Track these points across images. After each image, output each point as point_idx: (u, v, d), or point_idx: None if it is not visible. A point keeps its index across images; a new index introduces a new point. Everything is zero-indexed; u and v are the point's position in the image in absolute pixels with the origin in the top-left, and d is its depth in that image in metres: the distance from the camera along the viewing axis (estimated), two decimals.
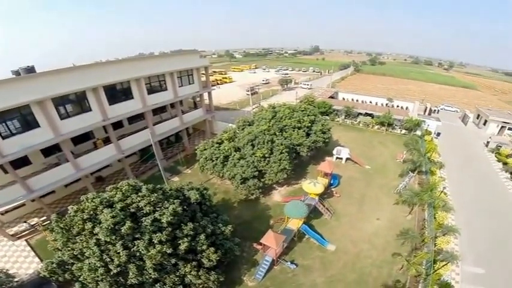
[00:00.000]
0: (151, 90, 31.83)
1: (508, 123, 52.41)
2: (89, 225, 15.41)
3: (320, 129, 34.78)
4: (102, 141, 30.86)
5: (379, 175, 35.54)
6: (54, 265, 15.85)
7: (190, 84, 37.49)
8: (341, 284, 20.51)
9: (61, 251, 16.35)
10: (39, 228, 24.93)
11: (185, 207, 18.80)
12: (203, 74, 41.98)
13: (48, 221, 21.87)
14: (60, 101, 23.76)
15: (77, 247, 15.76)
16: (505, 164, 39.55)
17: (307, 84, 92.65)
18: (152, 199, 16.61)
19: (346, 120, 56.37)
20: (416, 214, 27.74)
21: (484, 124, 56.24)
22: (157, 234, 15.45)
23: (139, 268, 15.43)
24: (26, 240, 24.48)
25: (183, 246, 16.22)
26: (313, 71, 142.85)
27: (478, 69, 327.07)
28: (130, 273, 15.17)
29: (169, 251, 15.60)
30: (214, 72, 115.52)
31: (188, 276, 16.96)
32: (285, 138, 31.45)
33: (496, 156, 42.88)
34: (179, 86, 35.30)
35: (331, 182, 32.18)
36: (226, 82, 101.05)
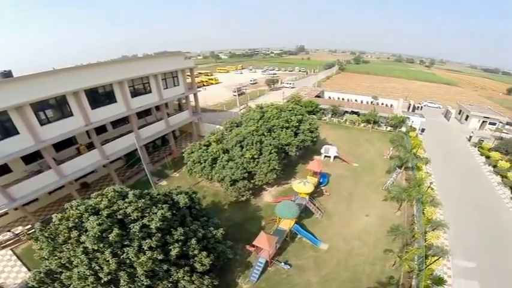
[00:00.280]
0: (135, 93, 31.16)
1: (489, 118, 54.20)
2: (74, 233, 14.95)
3: (308, 128, 34.89)
4: (86, 146, 29.95)
5: (367, 172, 35.95)
6: (42, 274, 15.29)
7: (175, 86, 36.99)
8: (335, 282, 20.53)
9: (48, 260, 15.77)
10: (24, 238, 24.10)
11: (174, 211, 18.46)
12: (188, 75, 41.49)
13: (33, 230, 21.07)
14: (39, 107, 22.87)
15: (64, 256, 15.25)
16: (487, 157, 40.82)
17: (290, 84, 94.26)
18: (140, 205, 16.22)
19: (332, 118, 56.90)
20: (405, 210, 28.14)
21: (466, 119, 57.90)
22: (146, 241, 15.10)
23: (130, 275, 15.01)
24: (11, 249, 23.58)
25: (174, 251, 15.91)
26: (299, 71, 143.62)
27: (458, 66, 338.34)
28: (122, 281, 14.75)
29: (160, 257, 15.28)
30: (200, 73, 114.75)
31: (181, 281, 16.64)
32: (274, 139, 31.31)
33: (478, 150, 44.20)
34: (164, 88, 34.79)
35: (321, 180, 32.27)
36: (212, 83, 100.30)
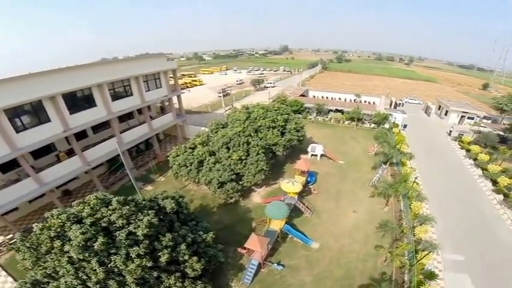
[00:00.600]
0: (115, 96, 30.20)
1: (467, 112, 55.96)
2: (57, 243, 14.22)
3: (294, 127, 34.86)
4: (66, 153, 28.74)
5: (354, 169, 36.34)
6: (29, 285, 14.55)
7: (157, 88, 36.20)
8: (329, 280, 20.51)
9: (32, 270, 15.00)
10: (5, 249, 23.08)
11: (161, 217, 17.95)
12: (171, 77, 40.56)
13: (15, 240, 20.27)
14: (14, 113, 21.71)
15: (49, 265, 14.50)
16: (468, 151, 42.20)
17: (270, 83, 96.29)
18: (124, 212, 15.57)
19: (318, 117, 57.33)
20: (393, 205, 28.54)
21: (446, 114, 59.62)
22: (134, 248, 14.56)
23: (120, 284, 14.44)
24: None
25: (163, 258, 15.46)
26: (284, 71, 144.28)
27: (436, 63, 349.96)
28: None
29: (149, 264, 14.79)
30: (184, 75, 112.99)
31: (173, 287, 16.14)
32: (261, 139, 31.07)
33: (459, 144, 45.67)
34: (146, 91, 33.95)
35: (309, 179, 32.32)
36: (196, 85, 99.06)
